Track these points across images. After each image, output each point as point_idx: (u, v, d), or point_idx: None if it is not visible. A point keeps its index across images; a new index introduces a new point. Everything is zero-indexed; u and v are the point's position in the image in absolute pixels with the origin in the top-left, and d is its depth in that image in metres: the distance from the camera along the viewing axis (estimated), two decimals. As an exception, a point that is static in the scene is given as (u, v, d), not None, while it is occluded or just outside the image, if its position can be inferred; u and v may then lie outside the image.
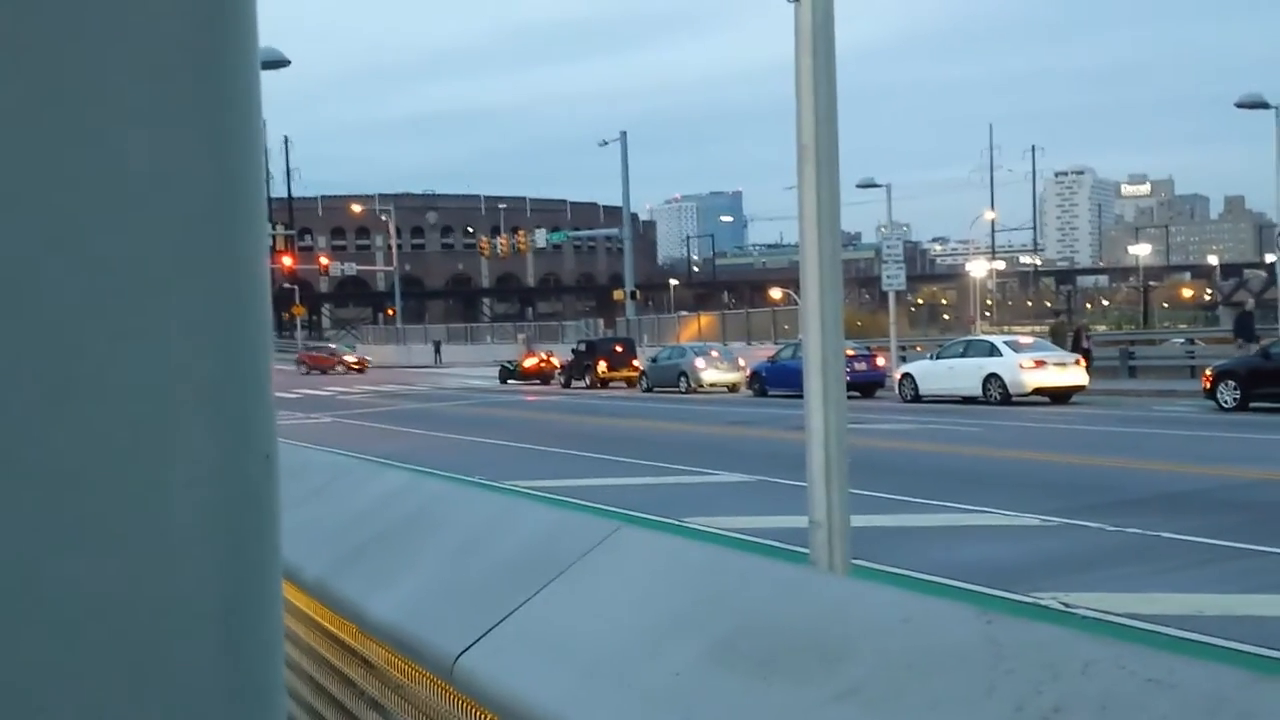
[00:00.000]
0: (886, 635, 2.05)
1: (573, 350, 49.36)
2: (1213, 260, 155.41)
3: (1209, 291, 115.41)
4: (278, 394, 0.87)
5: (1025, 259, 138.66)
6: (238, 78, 0.80)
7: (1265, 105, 33.66)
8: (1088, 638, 1.78)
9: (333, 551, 3.93)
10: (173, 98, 0.77)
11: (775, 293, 65.94)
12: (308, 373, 63.20)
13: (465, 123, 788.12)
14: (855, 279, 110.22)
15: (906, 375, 32.89)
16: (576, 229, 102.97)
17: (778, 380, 34.90)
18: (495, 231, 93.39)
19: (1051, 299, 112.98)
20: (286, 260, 70.77)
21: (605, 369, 45.71)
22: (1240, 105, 33.98)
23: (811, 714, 1.96)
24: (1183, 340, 42.88)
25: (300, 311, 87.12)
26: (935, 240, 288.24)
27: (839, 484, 6.04)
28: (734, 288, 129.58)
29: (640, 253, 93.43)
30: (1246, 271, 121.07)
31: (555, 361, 50.48)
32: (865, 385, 33.66)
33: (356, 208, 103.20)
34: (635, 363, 45.68)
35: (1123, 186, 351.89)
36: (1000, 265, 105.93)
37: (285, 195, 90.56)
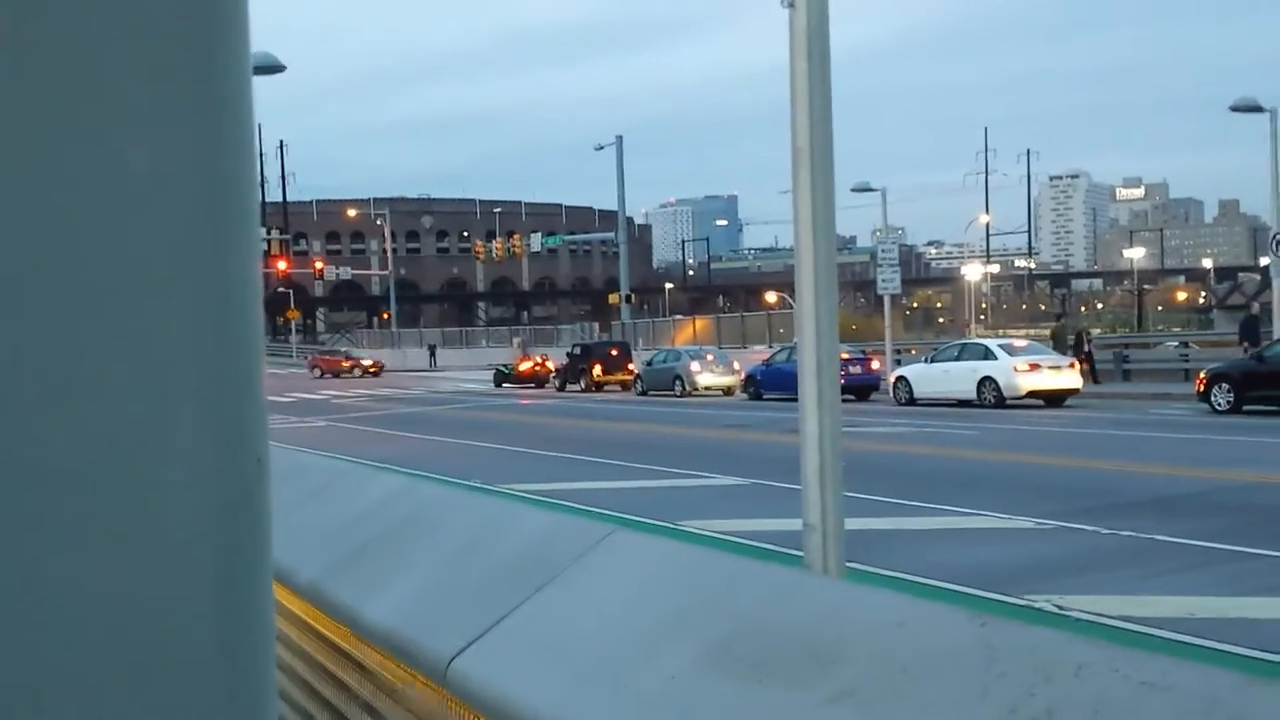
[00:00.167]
0: (880, 638, 2.06)
1: (568, 354, 49.34)
2: (1207, 264, 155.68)
3: (1203, 295, 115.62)
4: (271, 398, 0.87)
5: (1020, 263, 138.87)
6: (230, 82, 0.80)
7: (1260, 109, 33.69)
8: (1081, 640, 1.78)
9: (327, 555, 3.94)
10: (165, 102, 0.77)
11: (770, 296, 65.96)
12: (321, 376, 62.86)
13: (461, 127, 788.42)
14: (850, 282, 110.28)
15: (901, 378, 32.90)
16: (572, 233, 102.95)
17: (773, 384, 34.90)
18: (490, 235, 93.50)
19: (1046, 302, 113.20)
20: (281, 264, 70.72)
21: (600, 373, 45.70)
22: (1235, 109, 34.00)
23: (805, 717, 1.96)
24: (1177, 343, 42.94)
25: (295, 315, 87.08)
26: (930, 244, 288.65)
27: (833, 487, 6.04)
28: (729, 291, 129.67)
29: (635, 256, 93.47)
30: (1241, 275, 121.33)
31: (550, 365, 50.46)
32: (860, 389, 33.68)
33: (351, 212, 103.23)
34: (630, 366, 45.68)
35: (1117, 190, 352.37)
36: (995, 269, 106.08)
37: (280, 199, 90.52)
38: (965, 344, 33.97)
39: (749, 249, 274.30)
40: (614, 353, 47.30)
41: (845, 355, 31.11)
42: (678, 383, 40.37)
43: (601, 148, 65.06)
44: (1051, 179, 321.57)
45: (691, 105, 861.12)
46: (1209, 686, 1.71)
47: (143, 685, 0.76)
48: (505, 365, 52.96)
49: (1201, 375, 27.19)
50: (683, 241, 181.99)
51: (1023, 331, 60.55)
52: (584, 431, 25.74)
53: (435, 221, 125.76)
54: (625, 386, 44.55)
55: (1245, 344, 31.24)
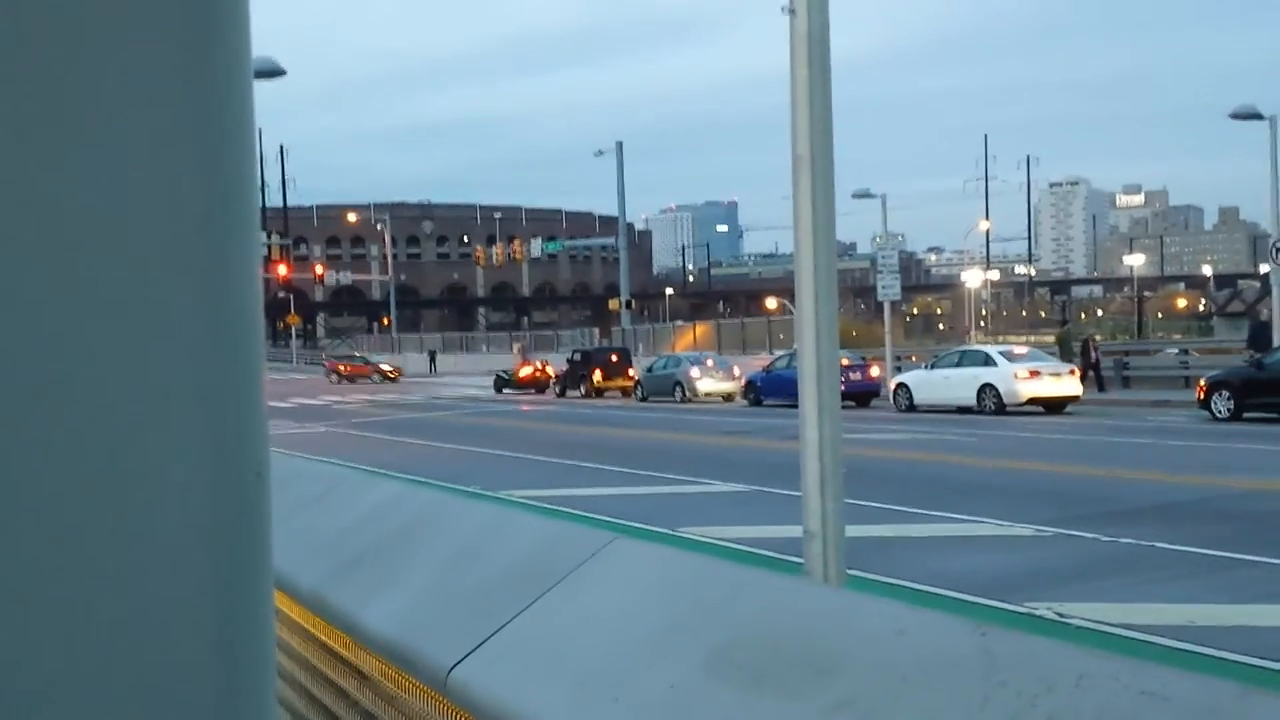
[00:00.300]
0: (880, 647, 2.05)
1: (568, 360, 49.33)
2: (1207, 271, 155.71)
3: (1203, 302, 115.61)
4: (272, 403, 0.86)
5: (1020, 269, 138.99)
6: (231, 85, 0.80)
7: (1259, 116, 33.72)
8: (1082, 650, 1.78)
9: (327, 562, 3.93)
10: (165, 106, 0.77)
11: (770, 302, 65.96)
12: (339, 381, 62.59)
13: (461, 132, 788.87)
14: (850, 289, 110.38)
15: (901, 385, 32.91)
16: (572, 238, 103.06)
17: (773, 390, 34.91)
18: (491, 241, 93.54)
19: (1046, 309, 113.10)
20: (281, 269, 70.70)
21: (600, 378, 45.70)
22: (1234, 116, 34.04)
23: (805, 726, 1.96)
24: (1177, 350, 42.94)
25: (295, 321, 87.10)
26: (930, 250, 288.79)
27: (834, 494, 6.03)
28: (729, 297, 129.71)
29: (636, 262, 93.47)
30: (1241, 282, 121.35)
31: (550, 371, 50.45)
32: (860, 395, 33.70)
33: (352, 217, 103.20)
34: (630, 372, 45.67)
35: (1117, 197, 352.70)
36: (995, 275, 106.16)
37: (281, 204, 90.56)
38: (965, 351, 33.99)
39: (749, 255, 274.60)
40: (614, 358, 47.31)
41: (845, 362, 31.11)
42: (678, 389, 40.37)
43: (602, 153, 65.19)
44: (1051, 185, 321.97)
45: (692, 111, 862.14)
46: (1209, 696, 1.70)
47: (143, 696, 0.76)
48: (505, 371, 52.95)
49: (1201, 382, 27.20)
50: (683, 247, 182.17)
51: (1023, 338, 60.50)
52: (584, 437, 25.73)
53: (436, 227, 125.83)
54: (625, 392, 44.55)
55: (1252, 350, 31.15)
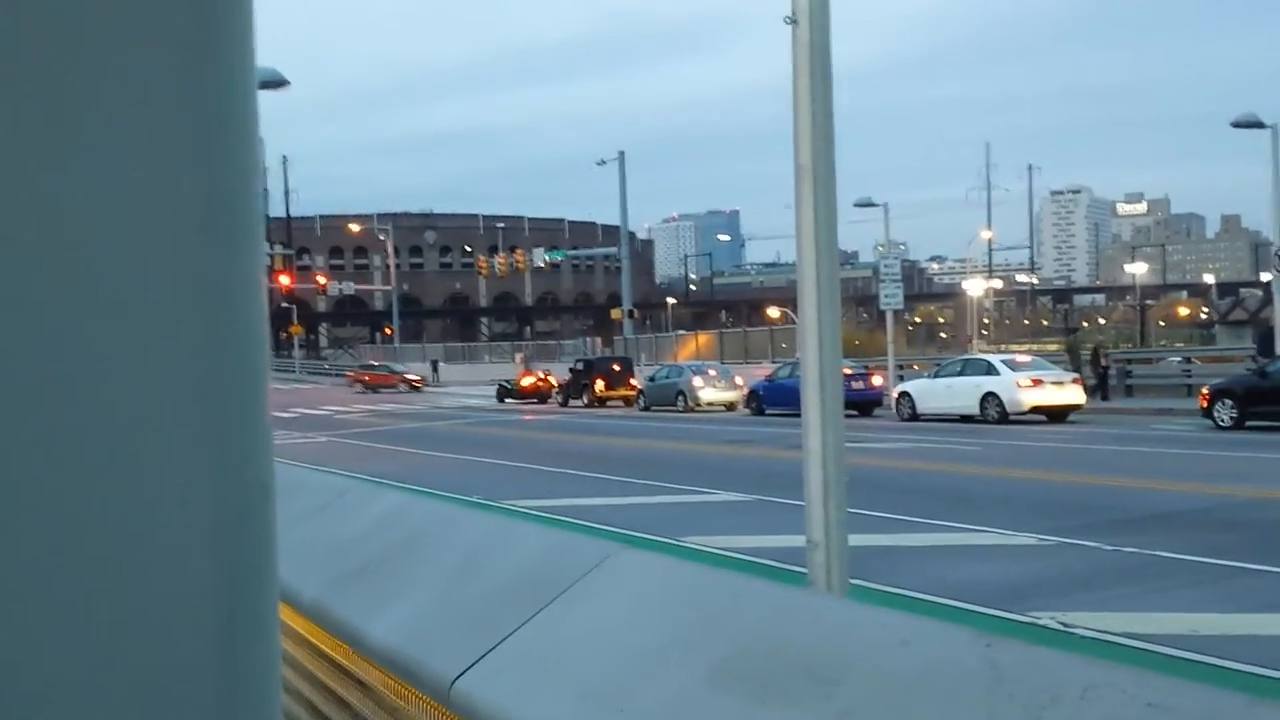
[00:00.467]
0: (884, 657, 2.05)
1: (570, 369, 49.33)
2: (1209, 279, 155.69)
3: (1205, 310, 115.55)
4: (273, 413, 0.86)
5: (1022, 278, 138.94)
6: (234, 97, 0.80)
7: (1261, 125, 33.74)
8: (1087, 661, 1.77)
9: (330, 572, 3.93)
10: (168, 115, 0.77)
11: (773, 311, 65.97)
12: (363, 391, 62.28)
13: (464, 142, 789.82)
14: (853, 298, 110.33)
15: (904, 394, 32.90)
16: (574, 248, 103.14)
17: (775, 399, 34.90)
18: (493, 250, 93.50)
19: (1049, 318, 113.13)
20: (284, 279, 70.79)
21: (603, 388, 45.69)
22: (1236, 125, 34.05)
23: (809, 737, 1.95)
24: (1180, 359, 42.89)
25: (298, 331, 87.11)
26: (932, 259, 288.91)
27: (837, 504, 6.03)
28: (731, 306, 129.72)
29: (638, 272, 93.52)
30: (1243, 290, 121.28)
31: (553, 380, 50.44)
32: (863, 404, 33.66)
33: (355, 227, 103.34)
34: (633, 382, 45.67)
35: (1119, 205, 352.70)
36: (997, 284, 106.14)
37: (284, 214, 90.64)
38: (968, 359, 33.98)
39: (751, 264, 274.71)
40: (616, 368, 47.29)
41: (848, 371, 31.09)
42: (680, 398, 40.36)
43: (604, 163, 65.20)
44: (1053, 194, 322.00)
45: (694, 121, 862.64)
46: (1214, 707, 1.70)
47: (146, 707, 0.76)
48: (508, 380, 52.93)
49: (1204, 391, 27.17)
50: (685, 256, 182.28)
51: (1026, 347, 60.45)
52: (586, 447, 25.72)
53: (438, 237, 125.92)
54: (628, 402, 44.54)
55: (1260, 356, 31.07)
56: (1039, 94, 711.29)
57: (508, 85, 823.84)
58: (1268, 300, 40.19)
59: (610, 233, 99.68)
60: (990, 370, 30.63)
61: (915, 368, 43.52)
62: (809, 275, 6.08)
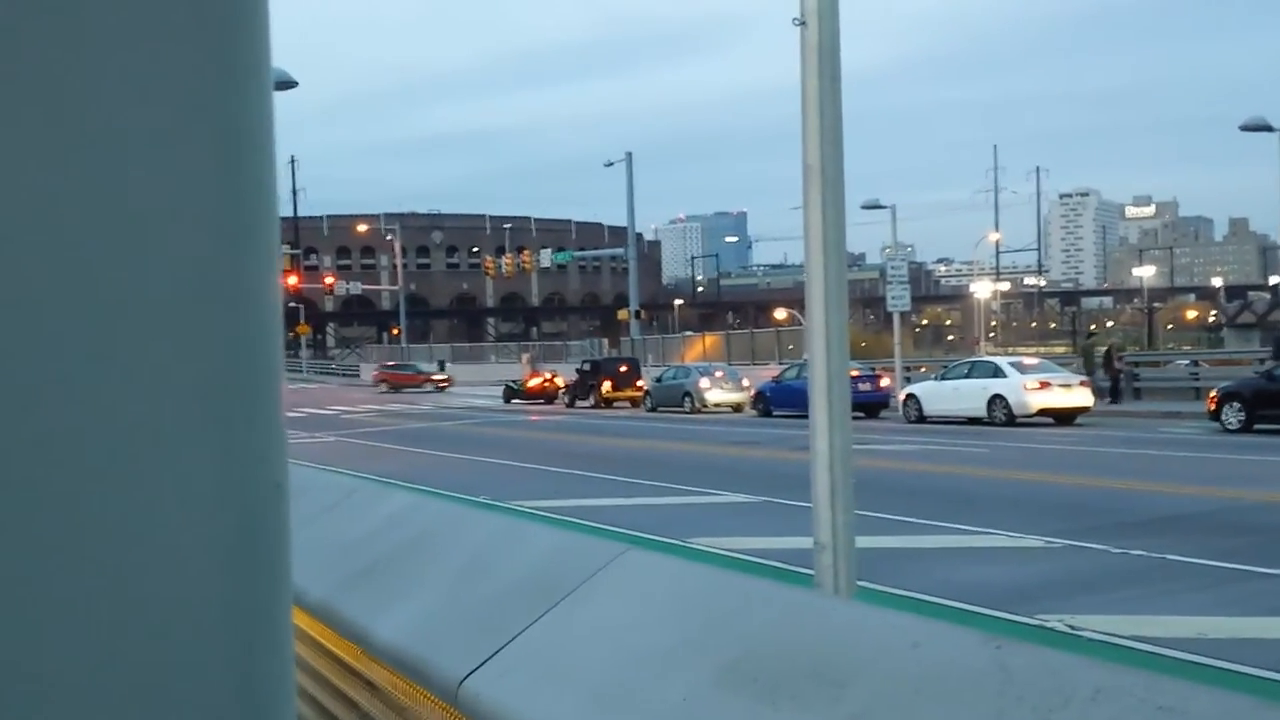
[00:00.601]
0: (894, 659, 2.04)
1: (577, 370, 49.31)
2: (1217, 282, 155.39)
3: (1213, 313, 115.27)
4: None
5: (1029, 280, 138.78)
6: (250, 98, 0.80)
7: (1270, 128, 33.69)
8: (1097, 664, 1.77)
9: (338, 572, 3.93)
10: (186, 122, 0.77)
11: (780, 313, 65.94)
12: (387, 392, 61.99)
13: (471, 143, 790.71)
14: (860, 299, 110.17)
15: (911, 396, 32.84)
16: (581, 249, 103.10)
17: (782, 400, 34.87)
18: (500, 251, 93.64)
19: (1056, 320, 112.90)
20: (291, 279, 70.82)
21: (610, 389, 45.67)
22: (1244, 128, 34.01)
23: (819, 739, 1.94)
24: (1187, 362, 42.78)
25: (305, 330, 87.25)
26: (940, 261, 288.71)
27: (844, 506, 6.02)
28: (738, 308, 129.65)
29: (645, 273, 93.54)
30: (1251, 294, 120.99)
31: (559, 381, 50.42)
32: (869, 406, 33.60)
33: (362, 227, 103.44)
34: (640, 383, 45.64)
35: (1127, 208, 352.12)
36: (1005, 286, 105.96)
37: (291, 215, 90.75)
38: (975, 361, 33.91)
39: (758, 265, 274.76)
40: (623, 369, 47.26)
41: (854, 372, 31.00)
42: (687, 399, 40.33)
43: (611, 164, 65.19)
44: (1061, 197, 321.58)
45: (702, 122, 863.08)
46: (1225, 711, 1.69)
47: (162, 710, 0.76)
48: (514, 381, 52.92)
49: (1212, 394, 27.10)
50: (692, 258, 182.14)
51: (1033, 349, 60.34)
52: (593, 448, 25.72)
53: (445, 237, 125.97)
54: (634, 403, 44.52)
55: (1275, 359, 30.90)
56: (1046, 96, 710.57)
57: (513, 87, 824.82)
58: (1276, 303, 40.15)
59: (617, 234, 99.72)
60: (997, 373, 30.57)
61: (922, 370, 43.46)
62: (817, 277, 6.07)
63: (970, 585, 9.68)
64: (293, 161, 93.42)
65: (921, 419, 31.63)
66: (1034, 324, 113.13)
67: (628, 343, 62.26)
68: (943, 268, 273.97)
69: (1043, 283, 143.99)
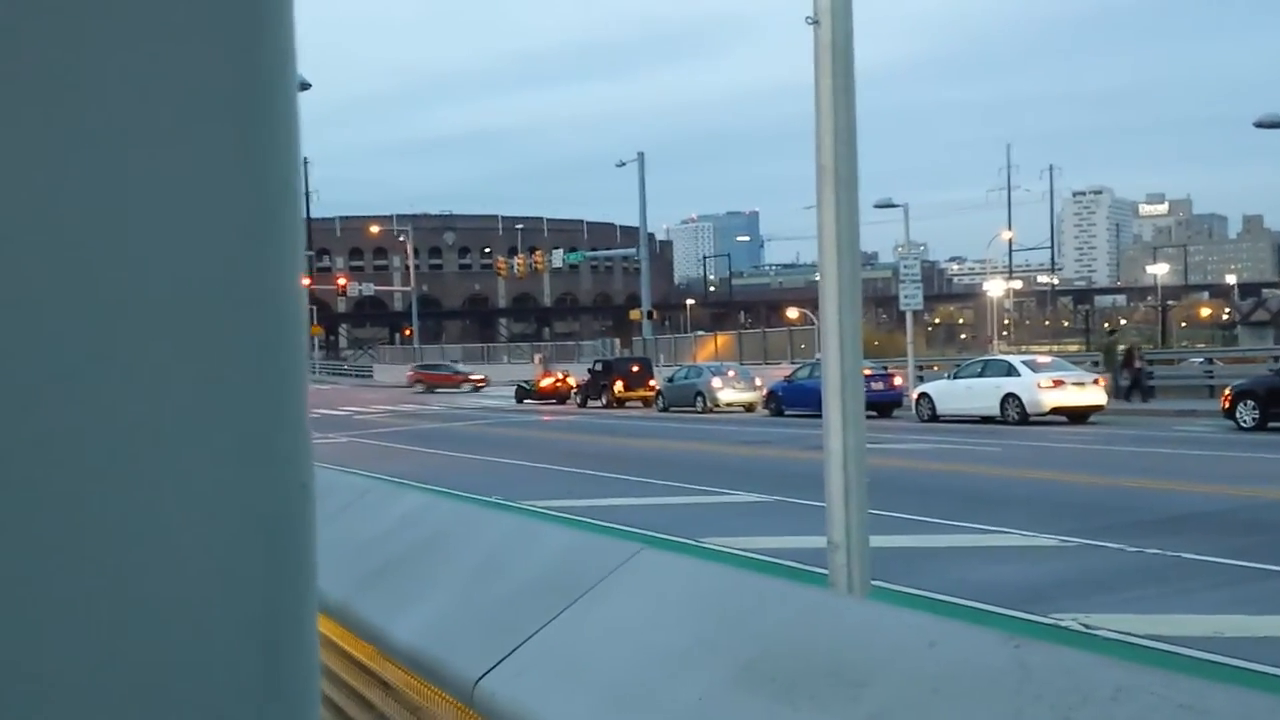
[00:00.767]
0: (911, 659, 2.04)
1: (589, 370, 49.32)
2: (1231, 280, 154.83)
3: (1227, 311, 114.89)
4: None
5: (1043, 279, 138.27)
6: (276, 100, 0.80)
7: (1284, 124, 33.53)
8: (1117, 663, 1.76)
9: (353, 573, 3.93)
10: (210, 121, 0.77)
11: (792, 312, 65.86)
12: (422, 392, 61.94)
13: (483, 144, 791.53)
14: (872, 298, 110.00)
15: (924, 395, 32.79)
16: (593, 249, 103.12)
17: (794, 400, 34.84)
18: (512, 252, 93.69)
19: (1069, 319, 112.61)
20: (304, 280, 70.89)
21: (622, 389, 45.67)
22: (1259, 125, 33.88)
23: (836, 739, 1.94)
24: (1201, 360, 42.63)
25: (317, 331, 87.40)
26: (952, 260, 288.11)
27: (858, 505, 6.02)
28: (750, 307, 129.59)
29: (657, 273, 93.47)
30: (1265, 291, 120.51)
31: (571, 381, 50.44)
32: (882, 405, 33.53)
33: (374, 228, 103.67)
34: (652, 382, 45.63)
35: (1140, 206, 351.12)
36: (1018, 285, 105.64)
37: (305, 216, 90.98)
38: (988, 360, 33.83)
39: (770, 265, 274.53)
40: (635, 369, 47.26)
41: (867, 371, 30.95)
42: (699, 399, 40.31)
43: (623, 164, 65.17)
44: (1074, 195, 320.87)
45: (714, 121, 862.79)
46: (1244, 709, 1.69)
47: (188, 712, 0.76)
48: (527, 381, 52.96)
49: (1227, 392, 27.00)
50: (704, 257, 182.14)
51: (1046, 348, 60.17)
52: (606, 447, 25.72)
53: (457, 238, 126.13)
54: (647, 403, 44.51)
55: None
56: (1058, 95, 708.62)
57: (521, 88, 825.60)
58: (1290, 301, 39.86)
59: (629, 234, 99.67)
60: (1011, 371, 30.50)
61: (935, 369, 43.39)
62: (831, 277, 6.06)
63: (985, 584, 9.66)
64: (305, 163, 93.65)
65: (934, 418, 31.57)
66: (1047, 322, 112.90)
67: (640, 342, 62.25)
68: (955, 266, 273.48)
69: (1056, 281, 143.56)
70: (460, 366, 69.74)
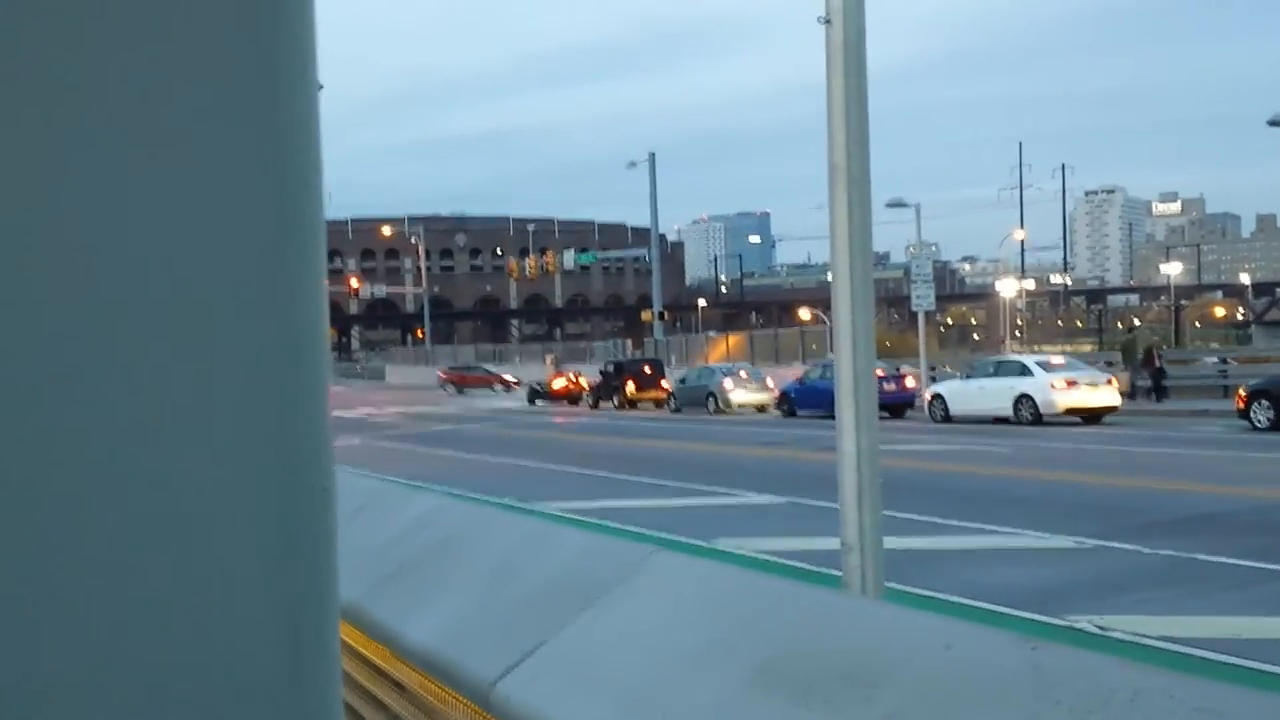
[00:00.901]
0: (927, 661, 2.03)
1: (601, 371, 49.33)
2: (1245, 279, 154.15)
3: (1241, 311, 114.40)
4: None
5: (1055, 278, 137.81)
6: (296, 101, 0.80)
7: (1298, 123, 33.38)
8: (1134, 665, 1.75)
9: (368, 575, 3.94)
10: (232, 124, 0.77)
11: (804, 313, 65.76)
12: (454, 394, 62.22)
13: (494, 145, 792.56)
14: (884, 299, 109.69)
15: (937, 396, 32.71)
16: (604, 250, 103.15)
17: (806, 401, 34.79)
18: (524, 253, 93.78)
19: (1082, 319, 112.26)
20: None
21: (633, 390, 45.67)
22: (1272, 123, 33.75)
23: (853, 742, 1.93)
24: (1216, 359, 42.44)
25: (330, 333, 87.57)
26: (964, 260, 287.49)
27: (871, 507, 6.00)
28: (762, 308, 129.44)
29: (668, 273, 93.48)
30: (1279, 290, 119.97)
31: (583, 382, 50.45)
32: (895, 406, 33.46)
33: (386, 230, 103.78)
34: (663, 383, 45.63)
35: (1153, 205, 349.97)
36: (1030, 285, 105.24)
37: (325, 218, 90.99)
38: (1001, 361, 33.73)
39: (782, 265, 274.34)
40: (647, 370, 47.26)
41: (880, 372, 30.87)
42: (711, 400, 40.28)
43: (634, 164, 65.17)
44: (1087, 194, 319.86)
45: (725, 121, 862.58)
46: (1263, 711, 1.68)
47: (212, 713, 0.76)
48: (539, 383, 52.99)
49: (1241, 392, 26.87)
50: (715, 258, 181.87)
51: (1059, 348, 59.94)
52: (618, 449, 25.72)
53: (469, 239, 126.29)
54: (658, 404, 44.50)
55: None
56: (1070, 94, 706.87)
57: (536, 89, 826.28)
58: (1305, 300, 39.69)
59: (640, 234, 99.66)
60: (1024, 371, 30.40)
61: (947, 369, 43.28)
62: (843, 277, 6.05)
63: (999, 586, 9.63)
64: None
65: (947, 419, 31.49)
66: (1060, 322, 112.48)
67: (651, 344, 62.22)
68: (967, 266, 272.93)
69: (1068, 281, 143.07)
70: (491, 368, 69.91)
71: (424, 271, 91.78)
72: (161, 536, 0.75)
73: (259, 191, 0.78)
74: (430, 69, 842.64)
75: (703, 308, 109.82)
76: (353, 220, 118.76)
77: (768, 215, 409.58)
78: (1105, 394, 29.74)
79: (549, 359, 61.76)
